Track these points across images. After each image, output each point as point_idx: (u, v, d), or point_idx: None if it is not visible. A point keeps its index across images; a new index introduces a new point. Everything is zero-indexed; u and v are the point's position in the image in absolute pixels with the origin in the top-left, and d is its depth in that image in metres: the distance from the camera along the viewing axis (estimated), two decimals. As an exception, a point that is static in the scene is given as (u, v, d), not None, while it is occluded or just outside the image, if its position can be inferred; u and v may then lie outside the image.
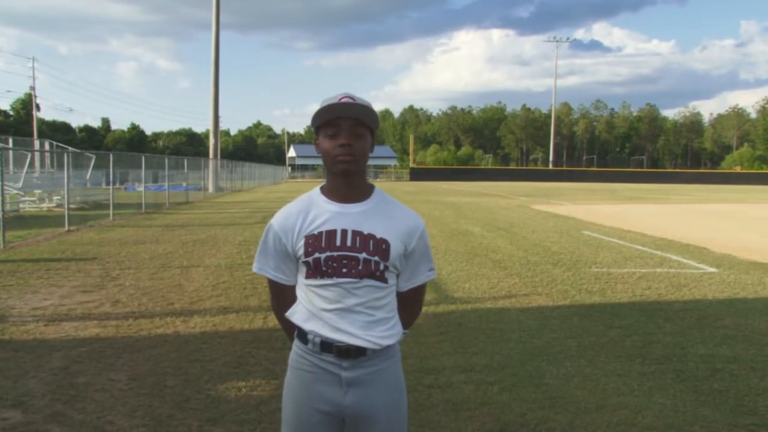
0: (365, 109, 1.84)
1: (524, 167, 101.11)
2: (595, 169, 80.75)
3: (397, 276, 1.98)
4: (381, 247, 1.87)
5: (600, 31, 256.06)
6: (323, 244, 1.86)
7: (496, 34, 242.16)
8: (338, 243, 1.86)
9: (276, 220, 1.96)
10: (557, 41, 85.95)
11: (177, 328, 5.51)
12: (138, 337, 5.23)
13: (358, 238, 1.86)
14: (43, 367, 4.43)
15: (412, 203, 24.02)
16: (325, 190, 1.94)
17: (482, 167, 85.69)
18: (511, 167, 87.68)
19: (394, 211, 1.95)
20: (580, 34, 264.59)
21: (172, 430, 3.43)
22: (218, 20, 35.84)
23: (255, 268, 2.01)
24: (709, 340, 5.26)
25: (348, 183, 1.89)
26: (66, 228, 13.08)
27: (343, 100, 1.85)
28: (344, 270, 1.86)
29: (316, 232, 1.87)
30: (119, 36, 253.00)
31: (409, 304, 2.08)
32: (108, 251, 10.09)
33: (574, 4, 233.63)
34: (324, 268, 1.87)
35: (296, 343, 1.99)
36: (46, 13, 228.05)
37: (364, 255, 1.86)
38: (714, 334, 5.44)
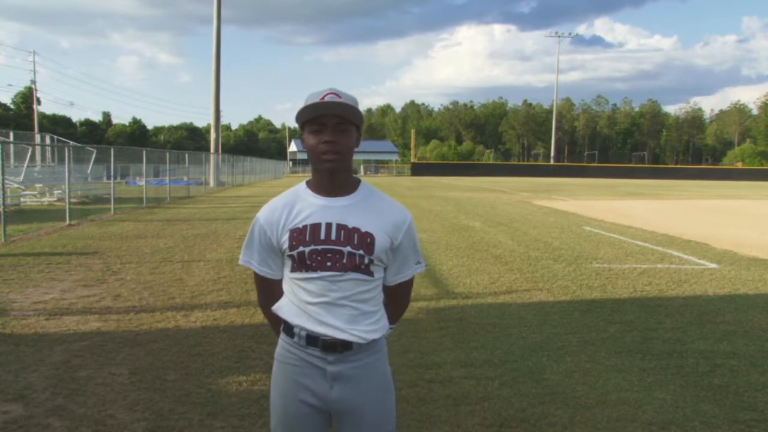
0: (349, 107, 1.83)
1: (525, 163, 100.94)
2: (596, 164, 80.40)
3: (385, 270, 1.98)
4: (366, 240, 1.87)
5: (602, 26, 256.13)
6: (307, 238, 1.87)
7: (498, 29, 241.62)
8: (322, 236, 1.86)
9: (262, 214, 1.97)
10: (559, 36, 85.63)
11: (178, 323, 5.52)
12: (139, 331, 5.24)
13: (342, 232, 1.86)
14: (44, 360, 4.44)
15: (413, 198, 24.02)
16: (311, 185, 1.95)
17: (483, 162, 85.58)
18: (512, 162, 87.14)
19: (380, 204, 1.95)
20: (581, 29, 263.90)
21: (173, 424, 3.44)
22: (219, 14, 35.77)
23: (241, 260, 2.03)
24: (710, 336, 5.26)
25: (333, 179, 1.89)
26: (67, 222, 13.09)
27: (328, 96, 1.83)
28: (328, 263, 1.86)
29: (300, 226, 1.88)
30: (120, 30, 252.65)
31: (397, 298, 2.08)
32: (109, 245, 10.10)
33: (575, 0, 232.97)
34: (308, 262, 1.87)
35: (282, 337, 2.00)
36: (47, 7, 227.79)
37: (348, 248, 1.86)
38: (714, 330, 5.45)
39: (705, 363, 4.57)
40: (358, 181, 1.96)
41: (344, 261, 1.86)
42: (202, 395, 3.85)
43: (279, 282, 2.00)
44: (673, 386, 4.11)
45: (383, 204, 1.96)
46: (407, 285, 2.06)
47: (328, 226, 1.87)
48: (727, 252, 10.10)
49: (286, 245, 1.89)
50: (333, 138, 1.83)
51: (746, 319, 5.86)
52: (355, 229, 1.87)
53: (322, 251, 1.86)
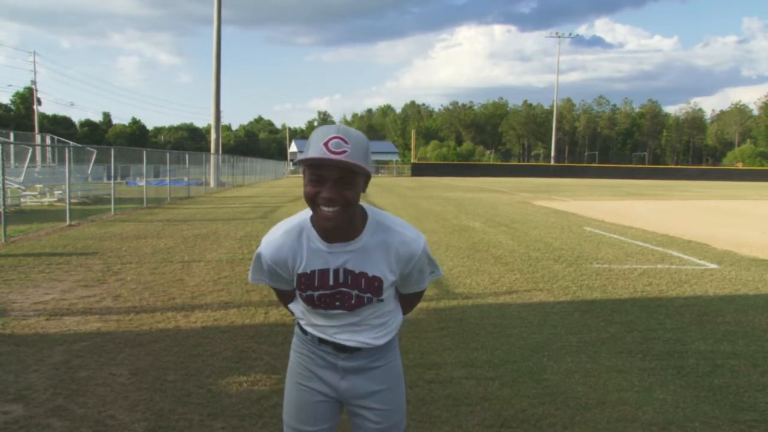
0: (354, 163, 1.64)
1: (526, 163, 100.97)
2: (596, 165, 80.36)
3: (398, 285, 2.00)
4: (373, 284, 1.87)
5: (602, 27, 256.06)
6: (316, 283, 1.87)
7: (498, 29, 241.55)
8: (331, 282, 1.86)
9: (266, 251, 1.88)
10: (559, 37, 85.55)
11: (178, 323, 5.52)
12: (139, 331, 5.24)
13: (350, 277, 1.85)
14: (44, 361, 4.44)
15: (414, 198, 24.02)
16: (315, 223, 1.81)
17: (484, 163, 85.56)
18: (512, 163, 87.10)
19: (389, 239, 1.84)
20: (582, 30, 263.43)
21: (173, 424, 3.44)
22: (219, 15, 35.78)
23: (251, 279, 2.01)
24: (710, 337, 5.26)
25: (336, 229, 1.76)
26: (67, 222, 13.09)
27: (332, 142, 1.64)
28: (337, 303, 1.89)
29: (308, 271, 1.86)
30: (120, 30, 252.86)
31: (412, 299, 2.12)
32: (109, 246, 10.10)
33: (575, 0, 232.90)
34: (317, 303, 1.90)
35: (297, 331, 2.08)
36: (47, 7, 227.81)
37: (356, 292, 1.87)
38: (715, 331, 5.44)
39: (705, 363, 4.57)
40: (365, 219, 1.83)
41: (353, 302, 1.89)
42: (203, 396, 3.85)
43: (293, 290, 2.03)
44: (674, 387, 4.11)
45: (393, 239, 1.84)
46: (422, 291, 2.09)
47: (336, 272, 1.85)
48: (728, 252, 10.10)
49: (294, 284, 1.92)
50: (333, 195, 1.66)
51: (747, 319, 5.86)
52: (363, 274, 1.85)
53: (331, 295, 1.88)
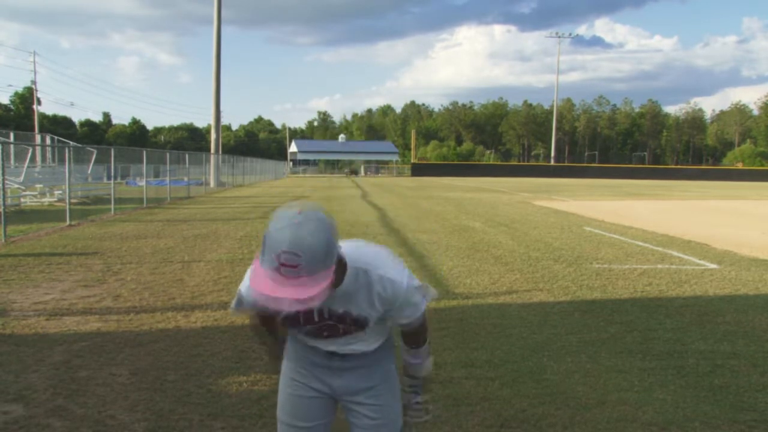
0: (306, 290, 1.54)
1: (526, 163, 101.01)
2: (596, 165, 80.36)
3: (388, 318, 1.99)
4: (358, 321, 1.90)
5: (602, 27, 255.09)
6: (302, 321, 1.90)
7: (498, 29, 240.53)
8: (316, 319, 1.89)
9: (247, 294, 1.89)
10: (559, 37, 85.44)
11: (178, 323, 5.52)
12: (139, 331, 5.24)
13: (334, 315, 1.88)
14: (44, 361, 4.44)
15: (414, 198, 24.01)
16: None
17: (484, 163, 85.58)
18: (512, 163, 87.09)
19: (371, 283, 1.83)
20: (582, 30, 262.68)
21: (173, 424, 3.44)
22: (219, 15, 35.78)
23: (232, 311, 2.05)
24: (710, 337, 5.26)
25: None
26: (67, 222, 13.09)
27: (283, 256, 1.51)
28: (325, 334, 1.93)
29: (292, 312, 1.82)
30: (120, 30, 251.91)
31: (413, 330, 2.06)
32: (109, 246, 10.10)
33: (575, 0, 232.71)
34: (305, 334, 1.95)
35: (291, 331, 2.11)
36: (47, 7, 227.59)
37: (342, 326, 1.90)
38: (715, 331, 5.44)
39: (705, 363, 4.57)
40: (344, 269, 1.77)
41: (339, 332, 1.92)
42: (203, 396, 3.85)
43: None
44: (674, 387, 4.11)
45: (374, 283, 1.83)
46: (420, 319, 2.02)
47: (320, 311, 1.86)
48: (728, 252, 10.10)
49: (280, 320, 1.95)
50: (298, 303, 1.61)
51: (747, 319, 5.86)
52: (347, 314, 1.87)
53: (318, 327, 1.91)
